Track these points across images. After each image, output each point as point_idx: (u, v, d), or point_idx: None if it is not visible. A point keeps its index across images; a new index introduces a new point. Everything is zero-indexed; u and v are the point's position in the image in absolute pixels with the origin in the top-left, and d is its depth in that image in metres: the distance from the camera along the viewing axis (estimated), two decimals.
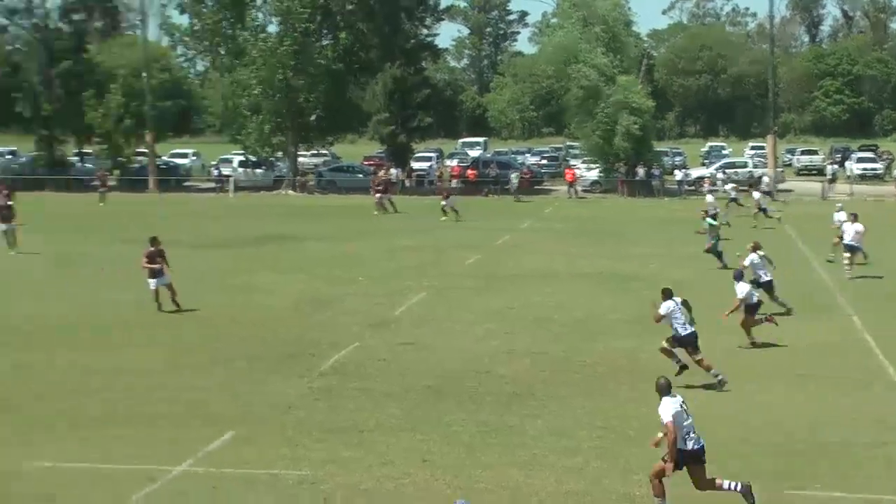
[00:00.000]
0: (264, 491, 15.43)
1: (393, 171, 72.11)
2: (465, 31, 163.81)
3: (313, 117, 73.21)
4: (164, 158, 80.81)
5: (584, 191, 69.57)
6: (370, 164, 78.16)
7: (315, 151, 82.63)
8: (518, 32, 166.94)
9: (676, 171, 72.21)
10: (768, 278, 27.09)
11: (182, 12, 77.64)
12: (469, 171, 73.44)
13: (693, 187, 67.78)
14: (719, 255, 35.63)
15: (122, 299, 30.00)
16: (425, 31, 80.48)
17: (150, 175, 73.31)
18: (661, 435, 14.48)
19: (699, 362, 20.69)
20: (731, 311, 23.64)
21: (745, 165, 74.94)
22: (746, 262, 27.07)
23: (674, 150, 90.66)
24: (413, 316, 28.16)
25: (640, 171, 68.84)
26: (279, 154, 75.65)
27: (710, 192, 53.11)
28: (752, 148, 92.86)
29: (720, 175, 67.92)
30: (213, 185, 74.44)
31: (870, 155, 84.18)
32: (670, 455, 13.97)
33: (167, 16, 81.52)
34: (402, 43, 75.77)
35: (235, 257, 39.67)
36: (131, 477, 15.87)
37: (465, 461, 16.62)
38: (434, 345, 24.62)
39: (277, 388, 20.94)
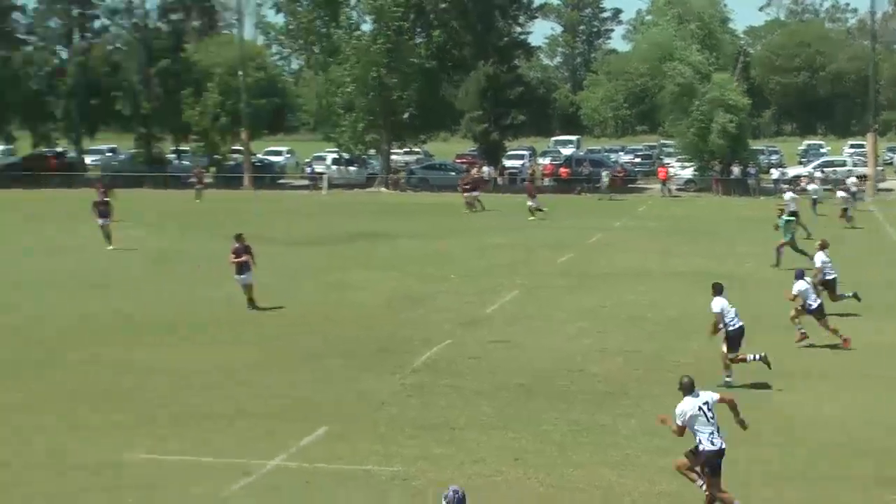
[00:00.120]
0: (356, 487, 15.50)
1: (485, 169, 72.09)
2: (559, 29, 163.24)
3: (406, 115, 73.48)
4: (259, 156, 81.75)
5: (678, 189, 68.90)
6: (462, 162, 78.20)
7: (408, 149, 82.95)
8: (612, 30, 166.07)
9: (772, 170, 71.18)
10: (831, 276, 27.11)
11: (277, 11, 78.50)
12: (562, 170, 73.15)
13: (790, 186, 66.69)
14: (779, 255, 35.41)
15: (217, 296, 30.38)
16: (518, 29, 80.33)
17: (245, 172, 74.22)
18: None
19: (731, 359, 20.63)
20: (794, 309, 23.75)
21: (843, 164, 73.56)
22: (817, 262, 27.11)
23: (770, 149, 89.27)
24: (505, 314, 28.11)
25: (736, 169, 67.99)
26: (372, 152, 76.06)
27: (790, 189, 52.01)
28: (852, 146, 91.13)
29: (818, 174, 66.75)
30: (306, 182, 75.10)
31: None
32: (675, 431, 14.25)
33: (263, 15, 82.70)
34: (496, 41, 75.69)
35: (329, 254, 39.96)
36: (227, 470, 16.06)
37: (557, 460, 16.54)
38: (526, 343, 24.55)
39: (370, 384, 21.05)
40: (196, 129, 76.27)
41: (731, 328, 20.64)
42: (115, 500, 14.95)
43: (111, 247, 40.17)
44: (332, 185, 71.37)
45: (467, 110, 75.39)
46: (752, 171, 68.68)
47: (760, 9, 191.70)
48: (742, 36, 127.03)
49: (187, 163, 77.64)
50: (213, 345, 24.63)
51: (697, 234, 45.85)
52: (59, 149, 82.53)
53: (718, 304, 20.69)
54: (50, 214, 54.24)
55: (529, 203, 52.93)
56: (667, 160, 77.56)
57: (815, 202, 50.82)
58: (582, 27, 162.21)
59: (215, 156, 77.08)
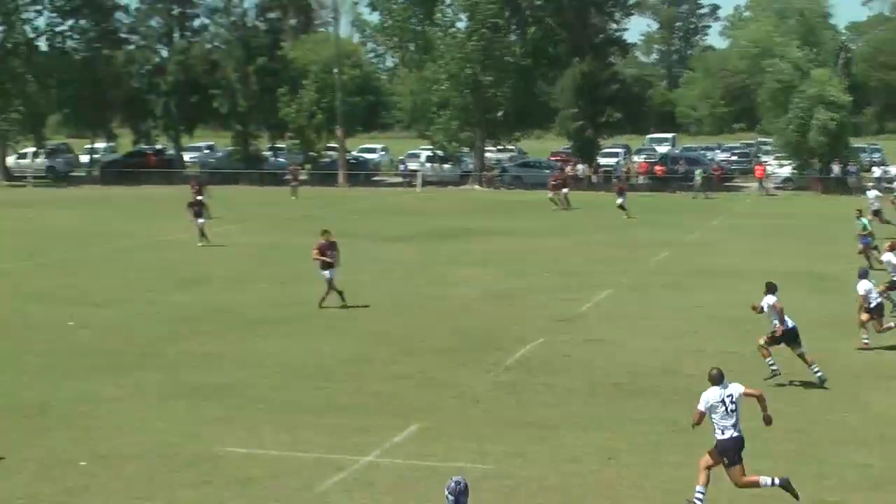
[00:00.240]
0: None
1: (579, 166, 71.73)
2: (655, 26, 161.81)
3: (500, 112, 73.37)
4: (354, 153, 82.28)
5: (776, 188, 67.89)
6: (557, 160, 77.94)
7: (502, 147, 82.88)
8: (709, 26, 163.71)
9: (874, 168, 69.65)
10: None
11: (373, 9, 78.84)
12: (657, 168, 72.51)
13: (892, 184, 65.29)
14: (868, 257, 34.48)
15: (313, 291, 30.54)
16: (614, 26, 79.84)
17: (339, 169, 74.73)
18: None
19: (801, 356, 20.66)
20: (862, 311, 23.42)
21: None
22: (884, 260, 26.83)
23: (872, 147, 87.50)
24: (600, 312, 27.91)
25: (836, 167, 66.76)
26: (466, 149, 76.10)
27: (875, 187, 50.60)
28: None
29: None
30: (400, 179, 75.40)
31: None
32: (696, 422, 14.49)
33: (359, 13, 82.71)
34: (591, 38, 75.28)
35: (423, 251, 40.06)
36: (320, 465, 16.13)
37: (652, 460, 16.34)
38: (621, 342, 24.34)
39: (464, 381, 21.02)
40: (292, 127, 76.94)
41: (787, 325, 20.64)
42: (211, 493, 15.09)
43: (200, 244, 40.53)
44: (425, 183, 71.56)
45: (562, 108, 75.07)
46: (852, 169, 67.41)
47: (864, 3, 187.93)
48: (844, 31, 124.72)
49: (283, 160, 78.41)
50: (307, 340, 24.79)
51: (796, 233, 45.10)
52: (158, 146, 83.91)
53: (771, 301, 20.73)
54: (149, 211, 55.14)
55: (619, 201, 52.44)
56: (764, 158, 76.41)
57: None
58: (679, 24, 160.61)
59: (310, 153, 77.68)
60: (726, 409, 14.17)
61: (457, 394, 20.08)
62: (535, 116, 78.69)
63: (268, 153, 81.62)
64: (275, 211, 56.00)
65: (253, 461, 16.37)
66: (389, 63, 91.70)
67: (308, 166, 76.11)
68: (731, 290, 30.68)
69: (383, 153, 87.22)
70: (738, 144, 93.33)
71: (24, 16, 78.36)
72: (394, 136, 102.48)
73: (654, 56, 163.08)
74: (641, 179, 72.30)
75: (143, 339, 24.83)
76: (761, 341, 20.93)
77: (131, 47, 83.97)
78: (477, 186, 71.79)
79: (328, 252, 28.57)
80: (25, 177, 76.87)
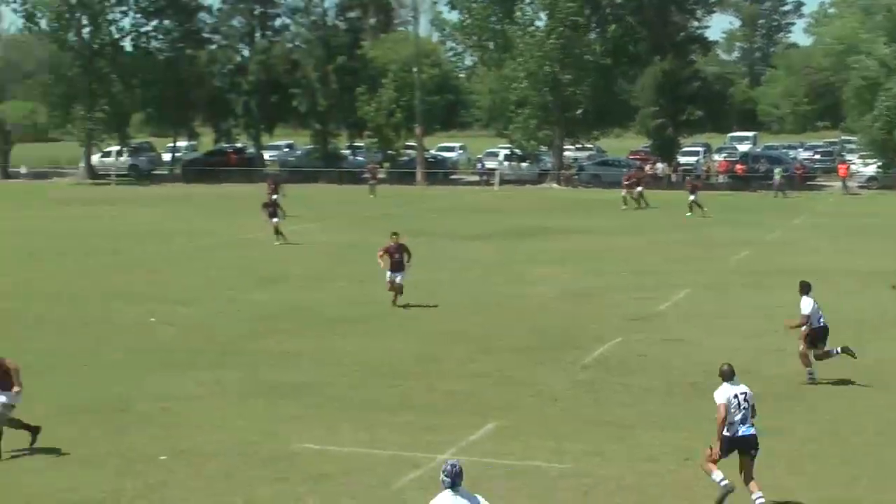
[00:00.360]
0: (526, 482, 15.43)
1: (659, 165, 71.19)
2: (737, 23, 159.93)
3: (579, 111, 73.06)
4: (432, 152, 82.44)
5: (860, 187, 66.77)
6: (636, 159, 77.45)
7: (580, 145, 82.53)
8: (793, 23, 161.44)
9: None
10: None
11: (452, 8, 78.96)
12: (737, 166, 71.72)
13: None
14: None
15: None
16: (696, 24, 79.11)
17: (418, 168, 74.93)
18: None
19: (818, 356, 20.63)
20: None
21: None
22: None
23: None
24: (678, 311, 27.67)
25: None
26: (544, 148, 75.89)
27: None
28: None
29: None
30: (477, 178, 75.39)
31: None
32: (718, 436, 14.34)
33: (438, 11, 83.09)
34: (672, 35, 74.66)
35: (500, 249, 40.03)
36: (396, 463, 16.17)
37: (729, 461, 16.12)
38: (699, 341, 24.11)
39: (542, 379, 20.96)
40: (371, 126, 77.27)
41: (814, 325, 20.57)
42: (287, 490, 15.19)
43: (278, 242, 40.80)
44: (503, 182, 71.50)
45: (642, 106, 74.56)
46: None
47: None
48: None
49: (361, 159, 78.81)
50: (385, 338, 24.87)
51: (880, 232, 44.33)
52: (238, 144, 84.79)
53: (808, 304, 20.62)
54: (229, 209, 55.71)
55: (691, 198, 51.85)
56: (848, 157, 75.20)
57: None
58: (761, 21, 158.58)
59: (389, 151, 77.97)
60: (738, 404, 14.35)
61: (534, 392, 20.03)
62: (614, 115, 78.25)
63: (347, 152, 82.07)
64: (353, 209, 56.29)
65: (329, 458, 16.45)
66: (468, 62, 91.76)
67: (386, 165, 76.40)
68: (813, 290, 30.17)
69: (461, 152, 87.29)
70: (821, 143, 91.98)
71: (110, 17, 79.68)
72: (472, 135, 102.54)
73: (736, 54, 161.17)
74: (721, 178, 71.50)
75: (223, 337, 25.09)
76: (801, 348, 20.78)
77: (213, 47, 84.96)
78: (555, 185, 71.55)
79: (395, 255, 28.31)
80: (109, 175, 78.12)
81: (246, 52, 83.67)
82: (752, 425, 14.42)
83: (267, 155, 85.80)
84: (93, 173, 79.65)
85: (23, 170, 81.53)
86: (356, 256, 38.30)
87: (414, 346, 23.89)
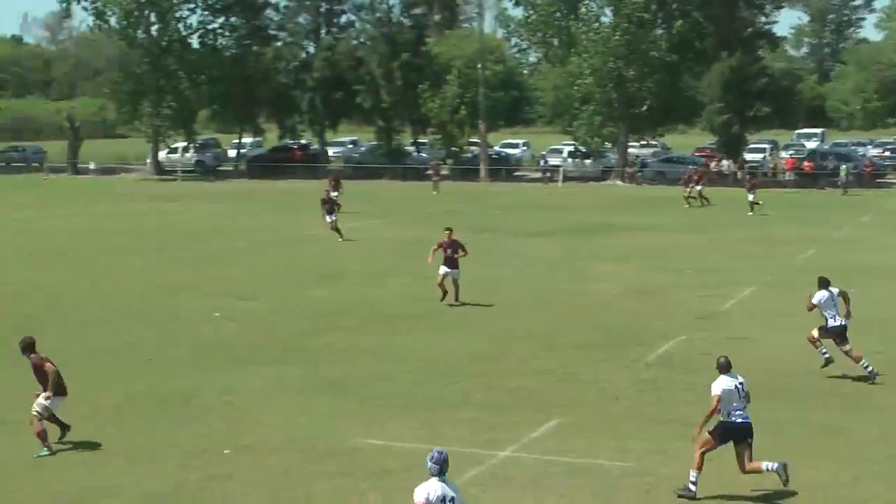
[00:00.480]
0: (587, 480, 15.35)
1: (724, 162, 70.51)
2: (806, 18, 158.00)
3: (645, 107, 72.58)
4: (496, 148, 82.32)
5: None
6: (701, 155, 76.82)
7: (645, 142, 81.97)
8: (863, 18, 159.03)
9: None
10: None
11: (517, 4, 78.75)
12: (805, 163, 70.84)
13: None
14: None
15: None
16: (763, 19, 78.24)
17: (481, 164, 74.84)
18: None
19: (847, 353, 20.56)
20: None
21: None
22: None
23: None
24: (743, 310, 27.40)
25: None
26: (608, 145, 75.49)
27: None
28: None
29: None
30: (540, 175, 75.13)
31: None
32: (702, 424, 14.82)
33: (503, 8, 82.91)
34: (740, 31, 73.91)
35: (564, 246, 39.89)
36: (458, 459, 16.06)
37: (792, 461, 15.93)
38: (764, 340, 23.85)
39: (605, 376, 20.86)
40: (434, 122, 77.30)
41: (831, 324, 20.65)
42: (349, 485, 15.22)
43: (341, 239, 40.90)
44: (566, 178, 71.23)
45: (708, 102, 73.88)
46: None
47: None
48: None
49: (425, 155, 78.91)
50: (447, 335, 24.87)
51: None
52: (302, 141, 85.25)
53: (818, 296, 20.91)
54: (293, 205, 55.99)
55: (750, 197, 51.24)
56: None
57: None
58: (831, 16, 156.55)
59: (453, 148, 77.95)
60: (738, 394, 14.79)
61: (597, 390, 19.93)
62: (679, 111, 77.62)
63: (410, 148, 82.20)
64: (417, 206, 56.35)
65: (390, 454, 16.47)
66: (532, 58, 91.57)
67: (449, 161, 76.40)
68: (880, 289, 29.83)
69: (525, 148, 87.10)
70: (891, 140, 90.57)
71: (178, 14, 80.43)
72: (536, 132, 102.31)
73: (805, 49, 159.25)
74: (788, 176, 70.67)
75: (285, 333, 25.22)
76: (846, 349, 20.77)
77: (279, 44, 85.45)
78: (619, 182, 71.14)
79: (448, 250, 28.11)
80: (175, 171, 78.90)
81: (311, 49, 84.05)
82: (748, 415, 14.84)
83: (331, 151, 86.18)
84: (159, 169, 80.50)
85: (91, 165, 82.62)
86: (419, 253, 38.25)
87: (476, 343, 23.85)
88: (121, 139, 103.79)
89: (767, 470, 14.68)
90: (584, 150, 75.42)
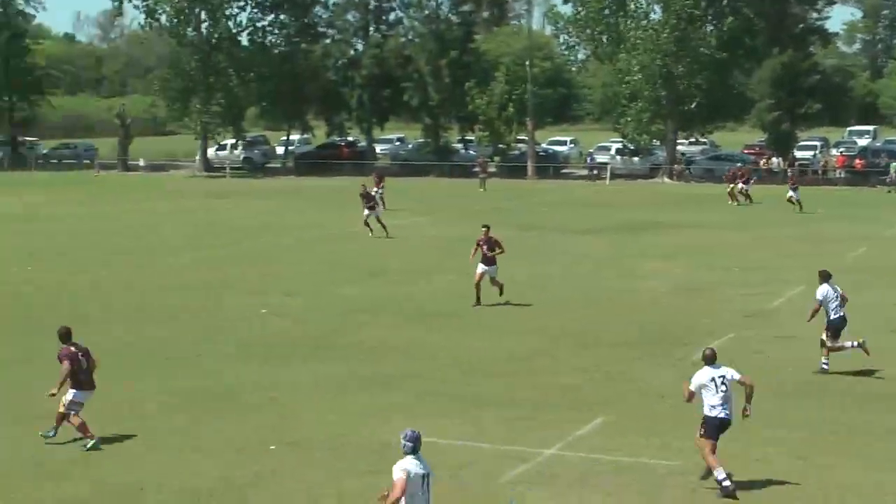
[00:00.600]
0: (632, 479, 15.28)
1: (774, 160, 69.95)
2: (859, 14, 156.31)
3: (694, 105, 72.11)
4: (543, 146, 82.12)
5: None
6: (750, 153, 76.22)
7: (694, 139, 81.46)
8: None
9: None
10: None
11: (566, 1, 78.53)
12: (856, 161, 70.11)
13: None
14: None
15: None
16: (815, 15, 77.52)
17: (529, 162, 74.68)
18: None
19: (830, 348, 20.84)
20: None
21: None
22: None
23: None
24: (792, 308, 27.11)
25: None
26: (656, 142, 75.08)
27: None
28: None
29: None
30: (586, 172, 74.87)
31: None
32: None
33: (552, 4, 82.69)
34: (791, 28, 73.26)
35: (611, 243, 39.73)
36: (503, 457, 16.14)
37: (842, 462, 15.82)
38: (813, 339, 23.49)
39: (651, 374, 20.76)
40: (482, 119, 77.18)
41: (832, 317, 20.76)
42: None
43: (381, 236, 40.85)
44: (614, 176, 70.95)
45: (758, 99, 73.28)
46: None
47: None
48: None
49: (472, 152, 78.85)
50: (491, 332, 24.83)
51: None
52: (350, 138, 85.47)
53: (822, 291, 20.93)
54: (339, 202, 56.11)
55: (790, 194, 50.72)
56: None
57: None
58: (885, 12, 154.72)
59: (500, 145, 77.79)
60: (716, 387, 14.86)
61: (643, 388, 19.84)
62: (729, 108, 76.98)
63: (458, 145, 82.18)
64: (464, 203, 56.30)
65: (436, 450, 16.40)
66: (581, 55, 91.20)
67: (497, 158, 76.27)
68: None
69: (572, 146, 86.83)
70: None
71: (228, 12, 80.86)
72: (583, 129, 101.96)
73: (857, 46, 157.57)
74: (839, 173, 69.98)
75: (330, 329, 25.30)
76: (828, 343, 21.00)
77: (328, 41, 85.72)
78: (666, 179, 70.73)
79: (484, 247, 27.89)
80: (224, 168, 79.39)
81: (359, 46, 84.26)
82: (731, 410, 14.93)
83: (378, 148, 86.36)
84: (208, 166, 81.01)
85: (141, 162, 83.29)
86: (464, 250, 38.16)
87: (522, 341, 23.81)
88: (170, 136, 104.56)
89: (718, 477, 14.71)
90: (632, 148, 75.06)
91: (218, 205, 56.09)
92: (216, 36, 79.97)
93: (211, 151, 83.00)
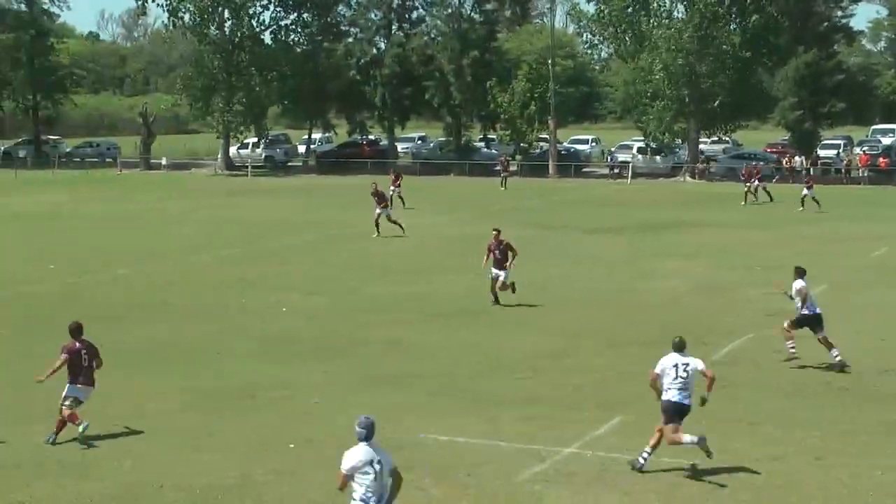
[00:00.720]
0: (650, 478, 15.26)
1: (796, 158, 69.65)
2: (884, 12, 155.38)
3: (716, 103, 71.87)
4: (565, 144, 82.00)
5: None
6: (773, 152, 75.91)
7: (717, 138, 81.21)
8: None
9: None
10: None
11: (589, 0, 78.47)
12: (881, 160, 69.76)
13: None
14: None
15: (519, 283, 30.50)
16: (839, 14, 77.14)
17: (550, 160, 74.60)
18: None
19: (822, 340, 21.02)
20: None
21: None
22: None
23: None
24: None
25: None
26: (678, 141, 74.88)
27: None
28: None
29: None
30: (608, 171, 74.73)
31: None
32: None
33: (575, 3, 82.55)
34: (815, 26, 72.92)
35: (632, 243, 39.66)
36: (521, 455, 16.14)
37: (862, 462, 15.74)
38: (835, 339, 23.45)
39: None
40: (504, 118, 77.13)
41: (806, 312, 20.93)
42: (412, 479, 15.15)
43: (376, 235, 40.92)
44: (636, 175, 70.79)
45: (782, 98, 72.97)
46: None
47: None
48: None
49: (494, 151, 78.80)
50: (510, 331, 24.85)
51: None
52: (371, 136, 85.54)
53: (799, 284, 21.15)
54: (360, 200, 56.07)
55: (804, 192, 50.41)
56: None
57: None
58: None
59: (521, 144, 77.73)
60: (676, 374, 15.25)
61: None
62: (752, 107, 76.70)
63: (479, 144, 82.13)
64: (485, 202, 56.28)
65: (454, 449, 16.49)
66: (604, 54, 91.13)
67: (518, 157, 76.21)
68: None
69: (594, 144, 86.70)
70: None
71: (251, 10, 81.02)
72: (605, 128, 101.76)
73: (882, 44, 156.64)
74: (863, 172, 69.65)
75: (348, 327, 25.33)
76: (785, 324, 21.25)
77: (350, 40, 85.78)
78: (688, 178, 70.55)
79: (496, 251, 27.65)
80: (245, 166, 79.56)
81: (382, 45, 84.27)
82: (689, 396, 15.27)
83: (400, 147, 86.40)
84: (230, 164, 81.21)
85: (163, 161, 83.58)
86: (485, 249, 38.27)
87: (541, 340, 23.81)
88: (193, 135, 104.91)
89: (690, 443, 15.18)
90: (654, 147, 74.89)
91: (240, 203, 56.15)
92: (239, 35, 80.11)
93: (233, 150, 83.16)
